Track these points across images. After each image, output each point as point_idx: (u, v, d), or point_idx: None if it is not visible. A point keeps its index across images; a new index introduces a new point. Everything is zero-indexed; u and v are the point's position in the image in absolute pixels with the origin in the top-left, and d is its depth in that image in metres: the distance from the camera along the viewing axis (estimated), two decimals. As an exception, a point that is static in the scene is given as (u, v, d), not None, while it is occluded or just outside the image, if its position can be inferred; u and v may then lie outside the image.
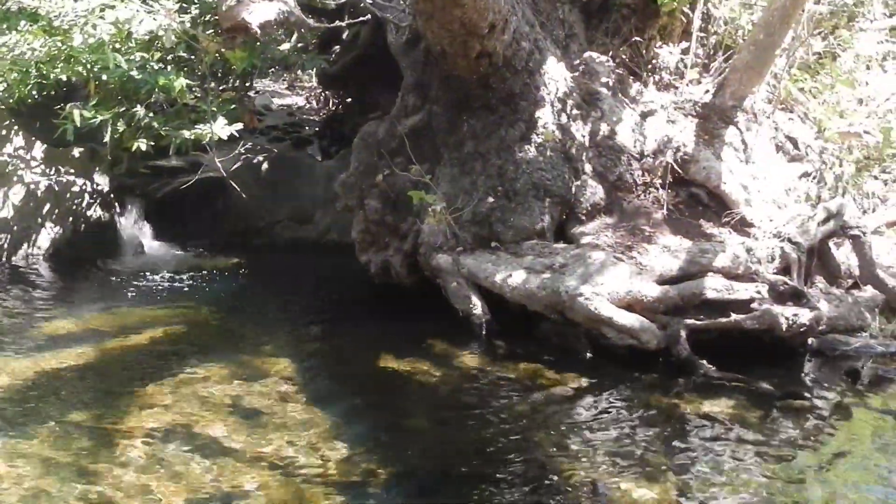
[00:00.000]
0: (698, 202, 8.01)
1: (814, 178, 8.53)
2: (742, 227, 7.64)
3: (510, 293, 7.23)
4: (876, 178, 9.21)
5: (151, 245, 10.79)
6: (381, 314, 8.37)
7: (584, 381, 6.51)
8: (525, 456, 5.36)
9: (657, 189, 8.01)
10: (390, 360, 6.97)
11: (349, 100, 13.52)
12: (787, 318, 6.72)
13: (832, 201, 7.81)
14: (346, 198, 8.66)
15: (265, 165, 11.47)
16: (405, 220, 8.28)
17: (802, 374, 6.95)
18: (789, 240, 7.31)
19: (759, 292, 6.86)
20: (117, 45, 7.80)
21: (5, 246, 9.66)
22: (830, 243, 7.73)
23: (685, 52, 8.78)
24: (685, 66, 8.71)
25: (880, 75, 9.86)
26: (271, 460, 5.17)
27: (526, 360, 6.93)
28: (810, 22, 8.85)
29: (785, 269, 7.26)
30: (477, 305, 7.49)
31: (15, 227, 9.70)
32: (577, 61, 8.40)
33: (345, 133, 12.11)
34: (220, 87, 9.42)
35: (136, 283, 9.30)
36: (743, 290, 6.87)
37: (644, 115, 8.34)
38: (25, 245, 9.81)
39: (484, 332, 7.45)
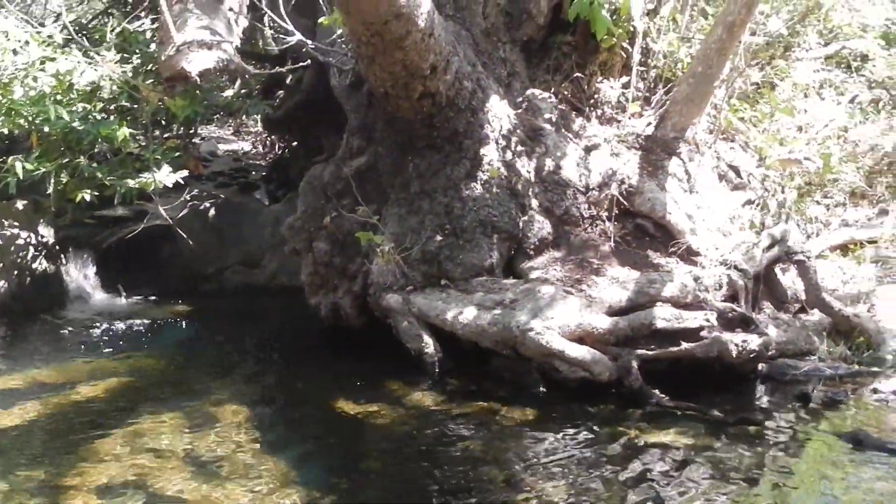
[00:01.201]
0: (645, 233, 8.09)
1: (757, 205, 8.66)
2: (689, 256, 7.73)
3: (461, 330, 7.23)
4: (818, 202, 9.38)
5: (99, 295, 10.67)
6: (333, 356, 8.35)
7: (538, 416, 6.52)
8: (482, 494, 5.33)
9: (604, 221, 8.07)
10: (344, 402, 6.92)
11: (294, 143, 13.55)
12: (736, 345, 6.78)
13: (776, 227, 7.91)
14: (294, 241, 8.64)
15: (212, 211, 11.41)
16: (354, 262, 8.27)
17: (754, 400, 7.00)
18: (735, 267, 7.40)
19: (707, 320, 6.91)
20: (59, 97, 7.80)
21: (-50, 302, 9.52)
22: (776, 269, 7.82)
23: (626, 86, 8.89)
24: (627, 100, 8.81)
25: (818, 103, 10.08)
26: (227, 510, 5.12)
27: (479, 396, 6.92)
28: (747, 53, 9.02)
29: (732, 297, 7.34)
30: (429, 344, 7.47)
31: (-41, 283, 9.57)
32: (520, 99, 8.49)
33: (291, 177, 12.15)
34: (164, 135, 9.43)
35: (83, 334, 9.18)
36: (692, 319, 6.91)
37: (588, 150, 8.42)
38: (-30, 300, 9.67)
39: (437, 371, 7.42)
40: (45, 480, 5.52)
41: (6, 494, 5.28)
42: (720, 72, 8.26)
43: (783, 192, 8.85)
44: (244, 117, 15.08)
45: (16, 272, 9.92)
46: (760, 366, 7.21)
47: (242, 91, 9.78)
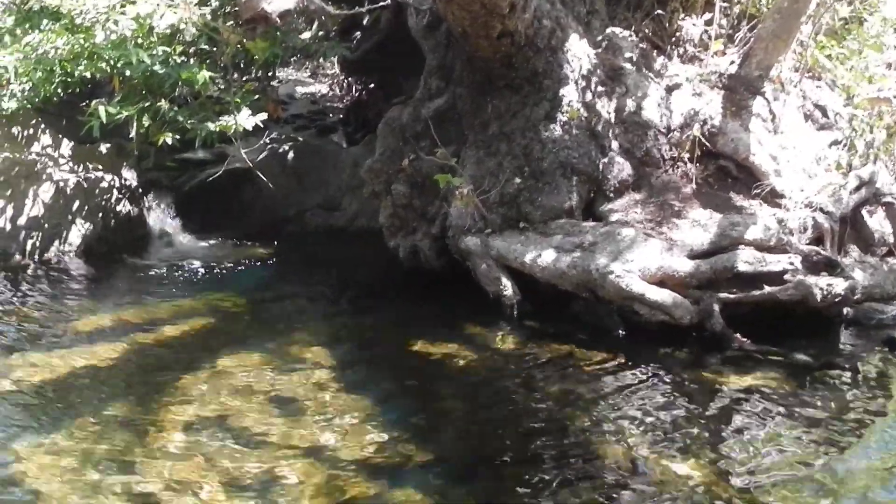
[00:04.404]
0: (727, 175, 7.94)
1: (844, 145, 8.43)
2: (773, 198, 7.56)
3: (540, 273, 7.20)
4: (908, 143, 9.10)
5: (181, 238, 10.80)
6: (412, 298, 8.35)
7: (618, 359, 6.49)
8: (562, 436, 5.34)
9: (685, 163, 7.94)
10: (423, 343, 6.96)
11: (372, 85, 13.51)
12: (821, 289, 6.64)
13: (864, 169, 7.72)
14: (373, 184, 8.65)
15: (291, 154, 11.47)
16: (432, 204, 8.26)
17: (839, 344, 6.89)
18: (821, 209, 7.24)
19: (791, 263, 6.78)
20: (139, 41, 7.83)
21: (37, 244, 9.69)
22: (863, 211, 7.65)
23: (709, 23, 8.69)
24: (709, 38, 8.62)
25: (909, 38, 9.73)
26: (308, 448, 5.19)
27: (558, 339, 6.90)
28: (835, -13, 8.75)
29: (818, 240, 7.19)
30: (507, 287, 7.45)
31: (46, 225, 9.74)
32: (600, 37, 8.34)
33: (369, 119, 12.12)
34: (243, 78, 9.44)
35: (167, 275, 9.32)
36: (775, 262, 6.79)
37: (669, 89, 8.26)
38: (57, 242, 9.84)
39: (515, 314, 7.41)
40: (130, 417, 5.65)
41: (95, 430, 5.41)
42: (807, 7, 8.02)
43: (871, 131, 8.58)
44: (321, 59, 15.05)
45: (100, 215, 10.09)
46: (846, 310, 7.09)
47: (320, 33, 9.72)
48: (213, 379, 6.27)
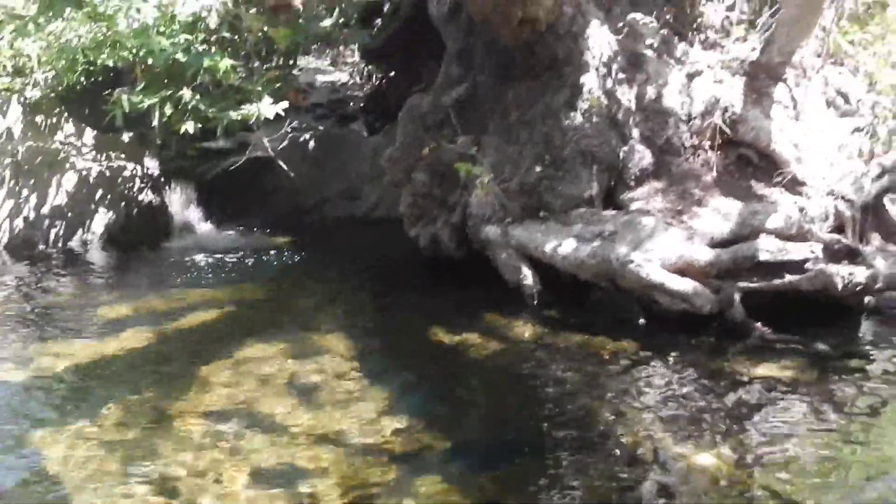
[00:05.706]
0: (748, 163, 7.89)
1: (866, 132, 8.35)
2: (794, 186, 7.52)
3: (560, 262, 7.21)
4: (931, 130, 9.02)
5: (203, 227, 10.86)
6: (433, 287, 8.39)
7: (639, 348, 6.48)
8: (582, 424, 5.35)
9: (706, 151, 7.90)
10: (443, 332, 6.98)
11: (392, 73, 13.50)
12: (842, 278, 6.60)
13: (886, 156, 7.65)
14: (393, 172, 8.67)
15: (312, 143, 11.51)
16: (453, 193, 8.27)
17: (859, 334, 6.85)
18: (843, 197, 7.21)
19: (813, 252, 6.75)
20: (161, 29, 7.88)
21: (61, 232, 9.80)
22: (885, 199, 7.61)
23: (731, 8, 8.65)
24: (731, 24, 8.58)
25: (933, 24, 9.64)
26: (329, 436, 5.22)
27: (579, 328, 6.89)
28: (858, -28, 8.68)
29: (839, 228, 7.17)
30: (527, 276, 7.47)
31: (69, 213, 9.84)
32: (621, 24, 8.30)
33: (389, 107, 12.11)
34: (265, 67, 9.47)
35: (189, 264, 9.38)
36: (796, 251, 6.77)
37: (690, 76, 8.22)
38: (80, 230, 9.94)
39: (535, 303, 7.44)
40: (154, 404, 5.70)
41: (118, 418, 5.47)
42: (829, -8, 7.97)
43: (894, 118, 8.54)
44: (341, 48, 15.05)
45: (123, 203, 10.18)
46: (867, 299, 7.03)
47: (341, 20, 9.75)
48: (236, 367, 6.32)
